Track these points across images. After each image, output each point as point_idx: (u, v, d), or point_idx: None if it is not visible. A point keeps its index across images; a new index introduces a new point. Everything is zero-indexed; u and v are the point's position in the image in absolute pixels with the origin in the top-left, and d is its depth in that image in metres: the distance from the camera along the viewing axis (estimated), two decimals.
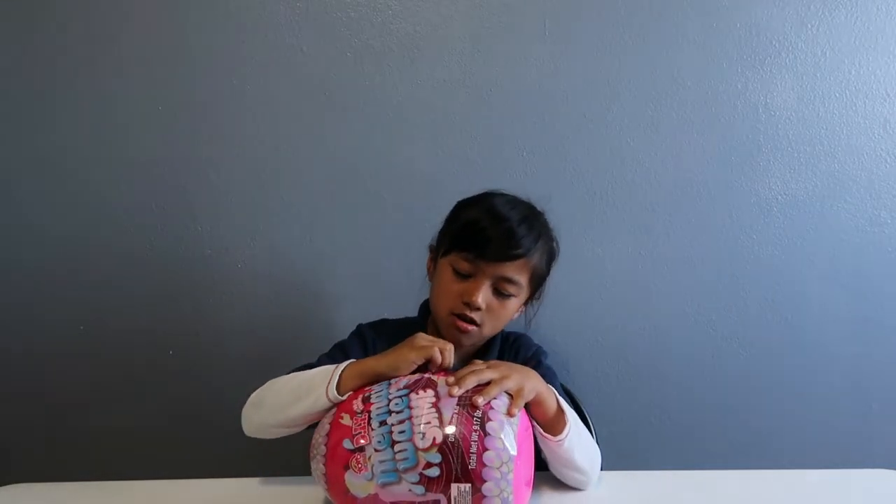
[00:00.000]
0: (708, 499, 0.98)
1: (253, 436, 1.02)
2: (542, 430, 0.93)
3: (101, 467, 1.55)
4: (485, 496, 0.77)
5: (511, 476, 0.78)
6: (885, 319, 1.53)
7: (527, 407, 0.91)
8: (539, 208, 1.13)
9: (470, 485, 0.76)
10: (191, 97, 1.46)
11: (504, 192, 1.12)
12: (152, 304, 1.53)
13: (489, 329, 1.08)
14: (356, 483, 0.80)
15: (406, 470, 0.78)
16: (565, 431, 0.92)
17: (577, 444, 0.94)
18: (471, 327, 1.05)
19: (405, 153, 1.47)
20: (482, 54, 1.45)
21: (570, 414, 0.95)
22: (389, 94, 1.46)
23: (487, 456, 0.78)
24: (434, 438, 0.78)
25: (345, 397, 0.90)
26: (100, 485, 1.01)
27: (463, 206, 1.12)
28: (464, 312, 1.05)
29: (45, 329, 1.53)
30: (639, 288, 1.52)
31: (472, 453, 0.78)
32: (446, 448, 0.78)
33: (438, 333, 1.10)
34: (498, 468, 0.78)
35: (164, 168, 1.48)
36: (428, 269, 1.16)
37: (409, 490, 0.77)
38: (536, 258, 1.07)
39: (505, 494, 0.77)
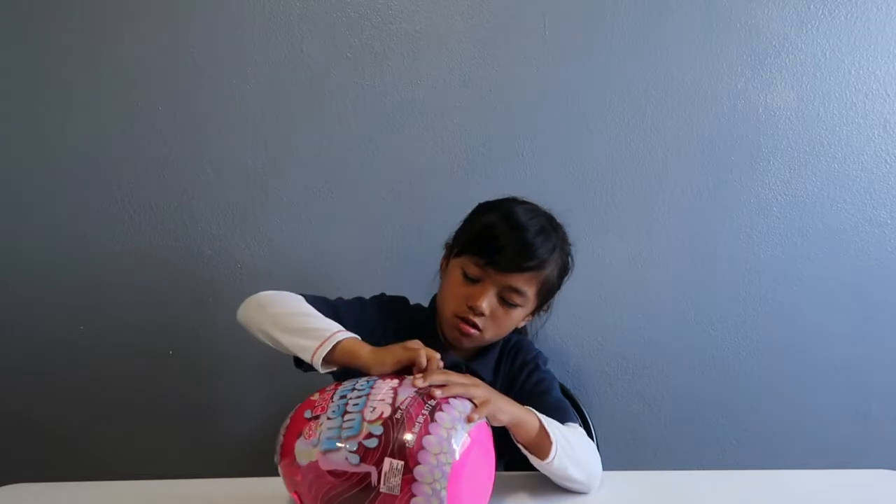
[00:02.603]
0: (707, 499, 0.98)
1: (240, 323, 1.06)
2: (528, 452, 0.93)
3: (101, 467, 1.55)
4: (415, 479, 0.75)
5: (448, 470, 0.76)
6: (884, 319, 1.53)
7: (505, 433, 0.91)
8: (558, 220, 1.13)
9: (403, 463, 0.75)
10: (190, 97, 1.46)
11: (526, 199, 1.12)
12: (152, 304, 1.53)
13: (491, 335, 1.08)
14: (303, 450, 0.80)
15: (348, 438, 0.78)
16: (551, 454, 0.91)
17: (568, 461, 0.93)
18: (472, 331, 1.06)
19: (404, 153, 1.47)
20: (481, 55, 1.45)
21: (556, 434, 0.93)
22: (389, 94, 1.46)
23: (428, 439, 0.77)
24: (382, 413, 0.79)
25: (323, 371, 0.92)
26: (99, 484, 1.01)
27: (482, 210, 1.12)
28: (467, 316, 1.05)
29: (45, 328, 1.53)
30: (638, 288, 1.52)
31: (413, 431, 0.77)
32: (390, 423, 0.78)
33: (442, 330, 1.12)
34: (436, 455, 0.76)
35: (164, 168, 1.48)
36: (441, 267, 1.16)
37: (346, 458, 0.77)
38: (548, 271, 1.06)
39: (438, 486, 0.75)
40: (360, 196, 1.49)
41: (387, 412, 0.79)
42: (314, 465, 0.79)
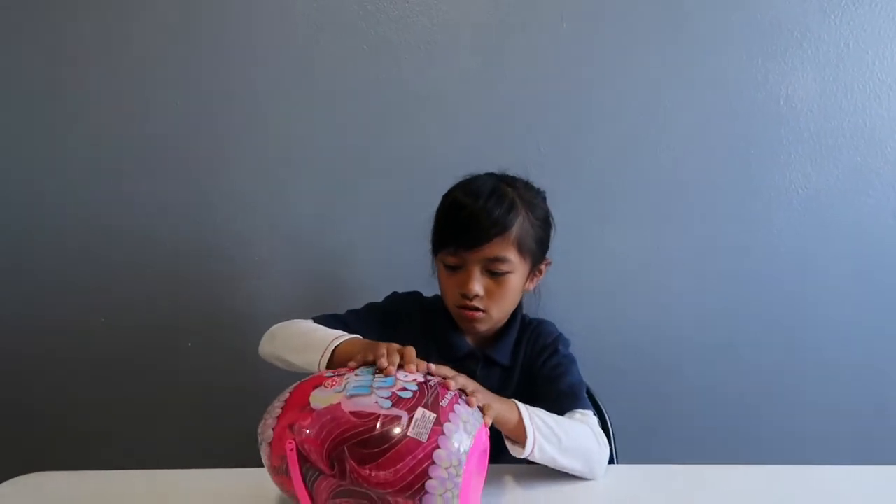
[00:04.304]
0: (720, 494, 0.96)
1: (263, 358, 1.07)
2: (509, 444, 0.93)
3: (118, 457, 1.57)
4: (444, 433, 0.74)
5: (474, 433, 0.76)
6: None
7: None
8: (515, 175, 1.12)
9: (435, 415, 0.75)
10: (208, 91, 1.46)
11: (479, 173, 1.12)
12: (171, 297, 1.54)
13: (498, 311, 1.09)
14: (322, 396, 0.78)
15: (380, 388, 0.77)
16: (527, 448, 0.91)
17: (554, 451, 0.93)
18: (478, 314, 1.07)
19: (420, 146, 1.47)
20: (498, 49, 1.44)
21: (537, 423, 0.92)
22: (406, 87, 1.45)
23: (458, 408, 0.78)
24: (416, 379, 0.81)
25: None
26: (116, 474, 1.02)
27: (442, 200, 1.12)
28: (465, 304, 1.06)
29: (66, 321, 1.56)
30: (654, 282, 1.51)
31: (446, 398, 0.78)
32: (425, 386, 0.79)
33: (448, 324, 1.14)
34: (464, 422, 0.76)
35: (181, 162, 1.49)
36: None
37: (376, 402, 0.75)
38: (517, 229, 1.05)
39: (462, 447, 0.74)
40: (375, 187, 1.49)
41: (420, 379, 0.81)
42: (334, 408, 0.76)
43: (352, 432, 0.74)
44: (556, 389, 1.06)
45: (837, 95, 1.43)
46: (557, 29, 1.43)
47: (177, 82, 1.46)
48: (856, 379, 1.53)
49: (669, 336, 1.52)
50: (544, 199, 1.15)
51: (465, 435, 0.76)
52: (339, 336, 0.97)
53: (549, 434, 0.93)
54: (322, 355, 0.93)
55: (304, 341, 0.99)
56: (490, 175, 1.12)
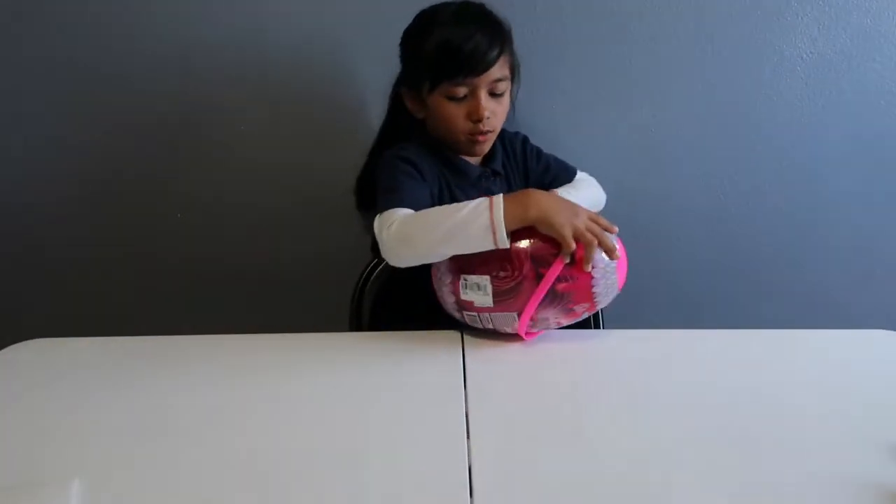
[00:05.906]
0: (705, 357, 0.98)
1: (405, 265, 1.02)
2: None
3: (116, 324, 1.60)
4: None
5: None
6: None
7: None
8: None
9: None
10: None
11: (437, 4, 1.12)
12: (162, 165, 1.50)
13: (499, 128, 1.17)
14: None
15: None
16: None
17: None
18: (488, 135, 1.14)
19: None
20: None
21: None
22: None
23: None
24: None
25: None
26: (116, 340, 1.02)
27: (420, 36, 1.11)
28: (478, 129, 1.11)
29: (52, 180, 1.52)
30: (652, 149, 1.49)
31: None
32: None
33: (457, 149, 1.17)
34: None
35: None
36: (410, 109, 1.17)
37: None
38: (508, 46, 1.11)
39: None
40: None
41: None
42: None
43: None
44: (555, 165, 1.26)
45: None
46: None
47: None
48: (846, 246, 1.56)
49: (664, 204, 1.53)
50: None
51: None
52: (484, 208, 0.94)
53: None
54: (495, 234, 0.93)
55: (453, 229, 0.95)
56: (454, 2, 1.12)
